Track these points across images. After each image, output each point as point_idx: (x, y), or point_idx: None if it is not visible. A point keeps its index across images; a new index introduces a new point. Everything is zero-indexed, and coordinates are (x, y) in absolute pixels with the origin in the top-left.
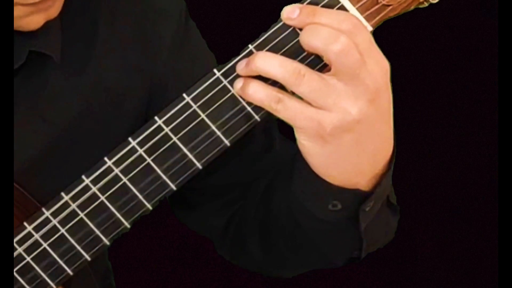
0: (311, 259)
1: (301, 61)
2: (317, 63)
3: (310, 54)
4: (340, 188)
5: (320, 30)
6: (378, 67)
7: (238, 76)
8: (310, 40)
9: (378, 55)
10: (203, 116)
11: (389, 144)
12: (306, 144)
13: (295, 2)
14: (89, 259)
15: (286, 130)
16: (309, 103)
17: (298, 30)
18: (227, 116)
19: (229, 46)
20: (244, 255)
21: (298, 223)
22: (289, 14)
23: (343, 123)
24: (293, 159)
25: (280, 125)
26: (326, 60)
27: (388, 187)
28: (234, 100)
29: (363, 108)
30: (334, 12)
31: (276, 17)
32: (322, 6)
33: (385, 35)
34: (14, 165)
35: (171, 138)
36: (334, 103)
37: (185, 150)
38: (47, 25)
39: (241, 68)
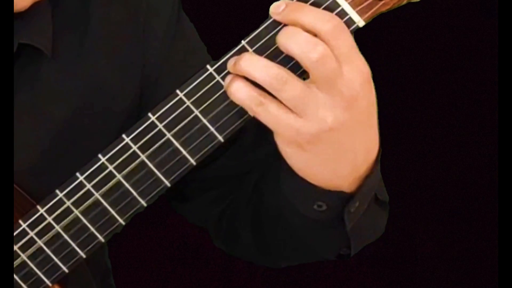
0: (300, 252)
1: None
2: None
3: None
4: (324, 190)
5: (297, 36)
6: (356, 74)
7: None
8: (287, 44)
9: (357, 60)
10: (196, 112)
11: (370, 148)
12: (284, 149)
13: None
14: (84, 256)
15: None
16: (290, 109)
17: None
18: (220, 112)
19: (224, 41)
20: (238, 246)
21: (286, 218)
22: (276, 8)
23: (320, 132)
24: (280, 157)
25: None
26: (303, 66)
27: (374, 186)
28: (227, 96)
29: (339, 117)
30: (319, 11)
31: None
32: (314, 2)
33: (385, 35)
34: (16, 164)
35: (165, 135)
36: (312, 112)
37: (178, 146)
38: (38, 17)
39: (230, 66)
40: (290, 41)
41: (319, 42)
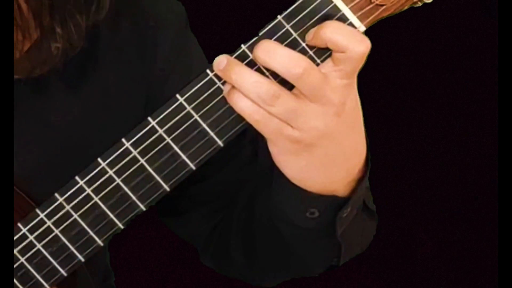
0: (291, 266)
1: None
2: (313, 59)
3: (305, 51)
4: (317, 195)
5: (277, 52)
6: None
7: None
8: (267, 61)
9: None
10: (196, 117)
11: (360, 150)
12: (279, 158)
13: (290, 3)
14: (83, 260)
15: None
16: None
17: (292, 31)
18: (220, 116)
19: (226, 46)
20: (227, 263)
21: (278, 230)
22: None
23: (313, 140)
24: (272, 167)
25: None
26: (288, 80)
27: (364, 191)
28: (227, 101)
29: (331, 123)
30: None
31: (271, 17)
32: (315, 7)
33: (385, 35)
34: (18, 169)
35: (165, 139)
36: (305, 122)
37: (178, 150)
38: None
39: (218, 70)
40: (270, 58)
41: (301, 57)
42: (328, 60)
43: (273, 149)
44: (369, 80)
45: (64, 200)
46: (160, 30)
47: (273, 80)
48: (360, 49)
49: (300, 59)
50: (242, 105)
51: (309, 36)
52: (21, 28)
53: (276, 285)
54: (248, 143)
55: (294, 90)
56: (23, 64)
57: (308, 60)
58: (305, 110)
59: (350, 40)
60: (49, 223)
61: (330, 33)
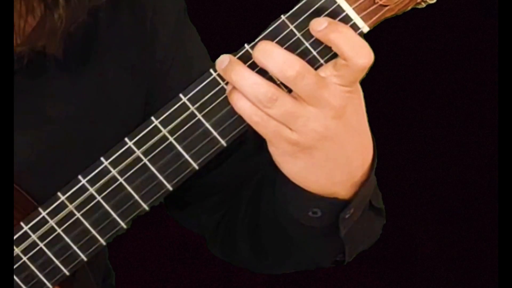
0: (297, 259)
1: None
2: (315, 62)
3: (308, 51)
4: (319, 196)
5: (273, 54)
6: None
7: None
8: (263, 62)
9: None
10: (199, 116)
11: (365, 153)
12: (278, 159)
13: (293, 3)
14: (85, 259)
15: None
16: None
17: (295, 31)
18: (223, 116)
19: (228, 45)
20: (234, 253)
21: (282, 225)
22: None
23: (312, 142)
24: (275, 165)
25: None
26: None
27: (369, 193)
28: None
29: (330, 126)
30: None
31: (275, 16)
32: (319, 7)
33: (385, 35)
34: (17, 165)
35: (168, 139)
36: (304, 125)
37: (181, 150)
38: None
39: (220, 69)
40: (266, 59)
41: (296, 60)
42: (329, 64)
43: (272, 150)
44: (369, 80)
45: (67, 199)
46: (159, 21)
47: (275, 81)
48: (362, 62)
49: (294, 62)
50: (241, 105)
51: (317, 27)
52: (25, 1)
53: (276, 284)
54: (251, 136)
55: (293, 93)
56: (28, 39)
57: (303, 63)
58: (304, 112)
59: (356, 52)
60: (51, 222)
61: (339, 39)
